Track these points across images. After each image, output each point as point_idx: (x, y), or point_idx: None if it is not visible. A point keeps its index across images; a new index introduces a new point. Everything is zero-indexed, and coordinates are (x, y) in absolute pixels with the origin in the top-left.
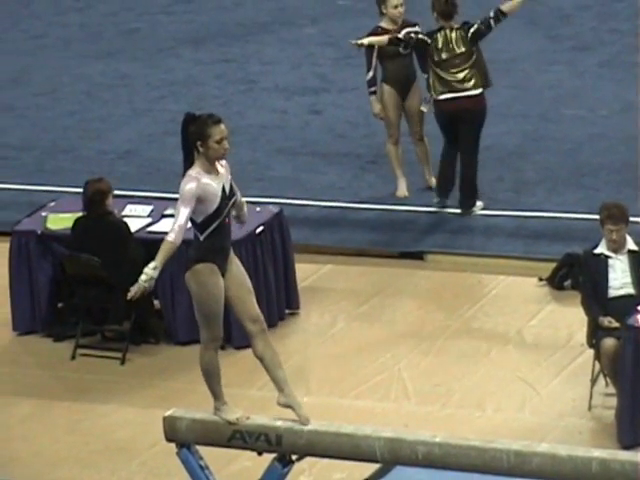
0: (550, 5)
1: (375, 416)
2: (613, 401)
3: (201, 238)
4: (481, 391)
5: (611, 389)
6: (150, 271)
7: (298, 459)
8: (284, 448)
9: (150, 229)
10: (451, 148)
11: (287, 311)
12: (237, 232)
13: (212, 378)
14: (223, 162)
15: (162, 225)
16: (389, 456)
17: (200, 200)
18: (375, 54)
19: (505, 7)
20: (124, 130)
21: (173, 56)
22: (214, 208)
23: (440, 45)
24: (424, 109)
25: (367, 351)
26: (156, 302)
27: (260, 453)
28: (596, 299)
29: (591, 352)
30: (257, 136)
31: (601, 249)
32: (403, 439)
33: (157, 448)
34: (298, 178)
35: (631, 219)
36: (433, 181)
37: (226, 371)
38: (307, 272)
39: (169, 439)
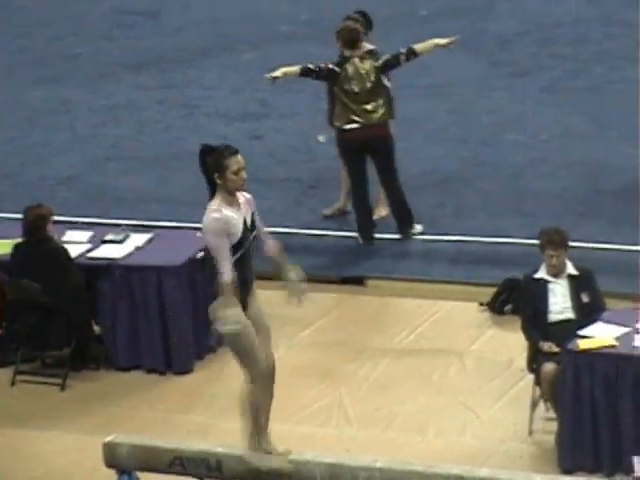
0: (490, 31)
1: (316, 441)
2: (553, 426)
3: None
4: (422, 415)
5: (551, 414)
6: (232, 316)
7: None
8: (224, 474)
9: (90, 255)
10: (362, 182)
11: None
12: (176, 257)
13: (261, 415)
14: (247, 195)
15: (102, 251)
16: None
17: (227, 233)
18: None
19: (418, 48)
20: (65, 156)
21: (114, 81)
22: (236, 241)
23: (350, 74)
24: (321, 139)
25: (308, 376)
26: (96, 327)
27: (201, 478)
28: (536, 324)
29: (531, 377)
30: (198, 162)
31: (541, 274)
32: (344, 464)
33: (98, 474)
34: None
35: (571, 244)
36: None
37: (167, 396)
38: None
39: (109, 465)
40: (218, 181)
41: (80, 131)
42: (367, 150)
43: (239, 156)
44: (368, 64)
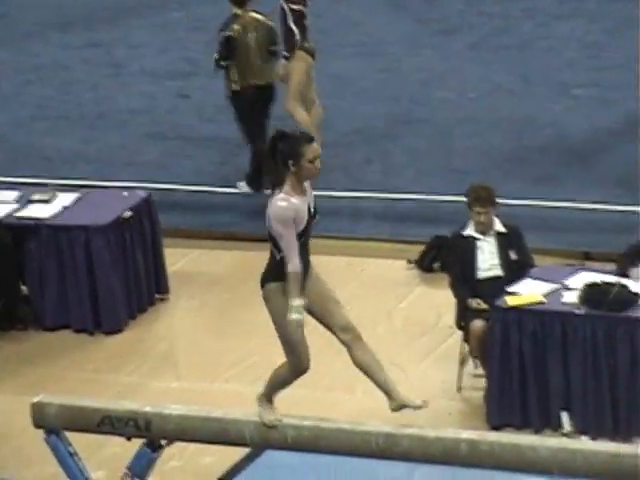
0: None
1: (245, 400)
2: (482, 382)
3: (278, 257)
4: (350, 374)
5: (480, 370)
6: (298, 307)
7: (168, 444)
8: (153, 433)
9: (17, 215)
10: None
11: (157, 296)
12: (104, 217)
13: (278, 387)
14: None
15: (29, 211)
16: (259, 440)
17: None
18: (292, 19)
19: None
20: None
21: (40, 40)
22: (301, 229)
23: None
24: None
25: (237, 335)
26: (24, 288)
27: (129, 438)
28: (464, 281)
29: (460, 334)
30: (125, 121)
31: (469, 231)
32: None
33: (27, 434)
34: (167, 163)
35: (498, 201)
36: None
37: (96, 357)
38: (176, 257)
39: (37, 425)
40: (292, 169)
41: (5, 91)
42: (259, 104)
43: (315, 144)
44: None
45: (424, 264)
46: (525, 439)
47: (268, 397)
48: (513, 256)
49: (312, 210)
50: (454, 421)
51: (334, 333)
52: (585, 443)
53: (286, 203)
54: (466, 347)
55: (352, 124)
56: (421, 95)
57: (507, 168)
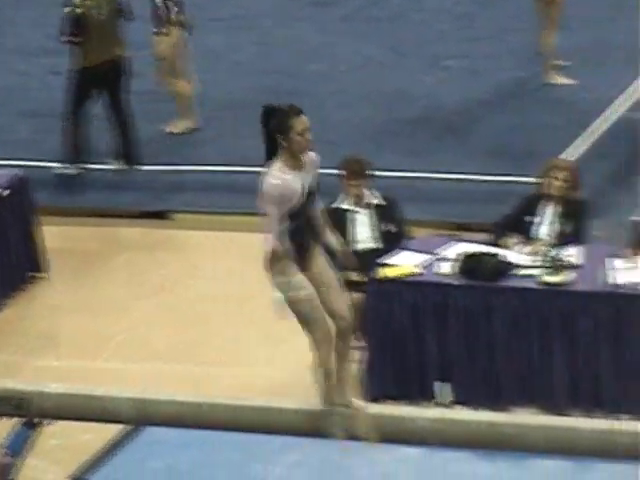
0: None
1: (125, 377)
2: (360, 354)
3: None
4: (229, 348)
5: (358, 342)
6: (295, 283)
7: (47, 423)
8: (32, 412)
9: None
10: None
11: (33, 274)
12: None
13: (327, 376)
14: (313, 155)
15: None
16: (138, 417)
17: (284, 200)
18: None
19: None
20: None
21: None
22: (292, 207)
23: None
24: None
25: (114, 312)
26: None
27: (11, 416)
28: None
29: None
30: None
31: (342, 204)
32: (151, 399)
33: None
34: (41, 140)
35: (372, 173)
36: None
37: None
38: (52, 234)
39: None
40: (283, 143)
41: None
42: (106, 82)
43: (303, 116)
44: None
45: None
46: (404, 410)
47: (330, 395)
48: (388, 228)
49: (308, 187)
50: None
51: (330, 316)
52: (463, 413)
53: (276, 180)
54: None
55: (226, 98)
56: (294, 68)
57: (380, 140)
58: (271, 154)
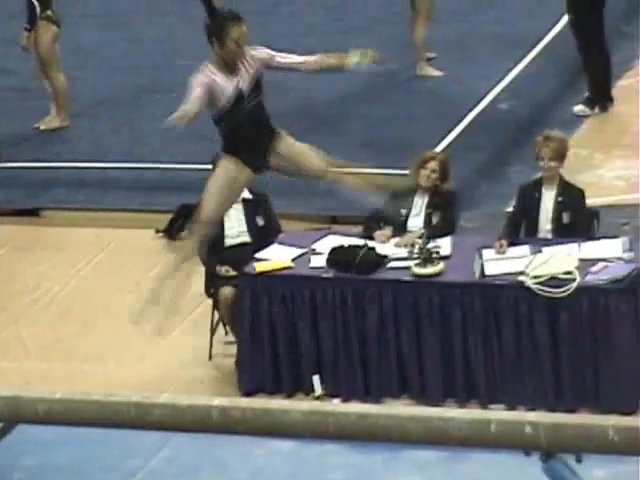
0: None
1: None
2: (233, 349)
3: (220, 134)
4: (102, 345)
5: (231, 337)
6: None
7: None
8: None
9: None
10: None
11: None
12: None
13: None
14: (256, 52)
15: None
16: (9, 415)
17: (210, 95)
18: None
19: None
20: None
21: None
22: (224, 107)
23: None
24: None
25: None
26: None
27: None
28: (212, 248)
29: (210, 301)
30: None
31: None
32: (22, 397)
33: None
34: None
35: None
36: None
37: None
38: None
39: None
40: (217, 47)
41: None
42: None
43: (243, 25)
44: None
45: (172, 233)
46: (277, 404)
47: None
48: (260, 222)
49: (247, 91)
50: (206, 388)
51: (320, 178)
52: (336, 405)
53: (202, 72)
54: (217, 314)
55: (97, 94)
56: (165, 63)
57: None
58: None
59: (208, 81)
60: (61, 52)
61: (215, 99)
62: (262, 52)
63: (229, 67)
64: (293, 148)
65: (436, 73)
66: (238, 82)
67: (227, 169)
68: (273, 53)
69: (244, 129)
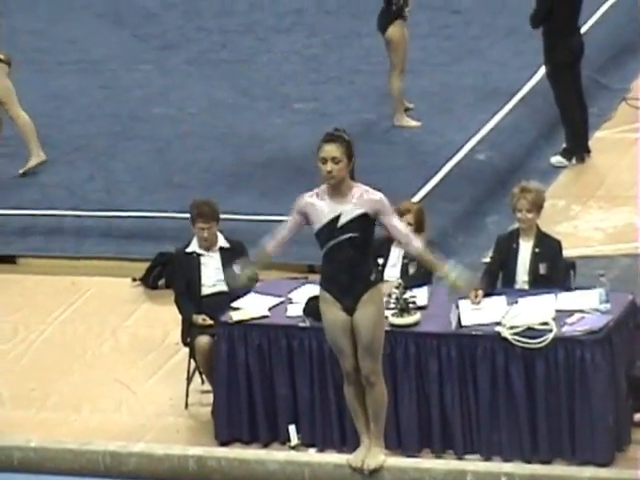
0: (135, 4)
1: None
2: (209, 398)
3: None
4: (77, 394)
5: (207, 386)
6: (248, 273)
7: None
8: None
9: None
10: None
11: None
12: None
13: (353, 414)
14: (374, 196)
15: None
16: None
17: (307, 215)
18: None
19: None
20: None
21: None
22: (315, 231)
23: None
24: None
25: None
26: None
27: None
28: (189, 297)
29: (186, 350)
30: None
31: (193, 247)
32: (2, 446)
33: None
34: None
35: (222, 216)
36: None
37: None
38: None
39: None
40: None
41: None
42: None
43: (329, 146)
44: None
45: (149, 281)
46: (253, 453)
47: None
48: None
49: (341, 222)
50: (182, 438)
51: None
52: (312, 455)
53: (301, 197)
54: (193, 363)
55: (73, 142)
56: (141, 111)
57: (231, 183)
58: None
59: (302, 204)
60: (38, 99)
61: (312, 222)
62: (377, 199)
63: (335, 191)
64: (364, 324)
65: (413, 123)
66: (341, 211)
67: (325, 313)
68: (387, 209)
69: (335, 263)
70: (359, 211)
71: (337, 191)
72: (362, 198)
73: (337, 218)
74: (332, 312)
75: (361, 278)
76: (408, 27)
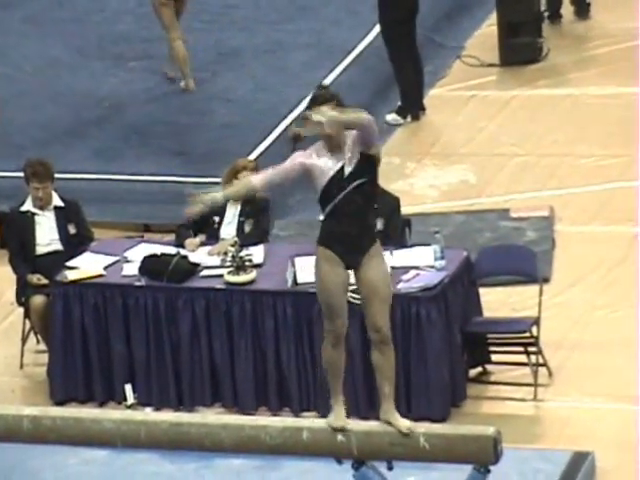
0: None
1: None
2: (45, 358)
3: (320, 217)
4: None
5: (42, 346)
6: (217, 195)
7: None
8: None
9: None
10: None
11: None
12: None
13: (329, 374)
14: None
15: None
16: None
17: (309, 175)
18: None
19: None
20: None
21: None
22: (321, 187)
23: None
24: None
25: None
26: None
27: None
28: (24, 257)
29: (21, 310)
30: None
31: (27, 206)
32: None
33: None
34: None
35: (57, 175)
36: None
37: None
38: None
39: None
40: None
41: None
42: None
43: (324, 107)
44: None
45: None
46: (88, 412)
47: (333, 392)
48: (72, 230)
49: (346, 173)
50: (17, 398)
51: (367, 325)
52: (148, 414)
53: (304, 151)
54: (28, 323)
55: None
56: None
57: (66, 142)
58: None
59: (308, 163)
60: None
61: (316, 178)
62: (355, 131)
63: (332, 145)
64: (378, 276)
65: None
66: (343, 163)
67: (327, 273)
68: (368, 128)
69: (342, 218)
70: (357, 153)
71: (335, 146)
72: (352, 140)
73: (342, 169)
74: (334, 270)
75: (369, 230)
76: None
